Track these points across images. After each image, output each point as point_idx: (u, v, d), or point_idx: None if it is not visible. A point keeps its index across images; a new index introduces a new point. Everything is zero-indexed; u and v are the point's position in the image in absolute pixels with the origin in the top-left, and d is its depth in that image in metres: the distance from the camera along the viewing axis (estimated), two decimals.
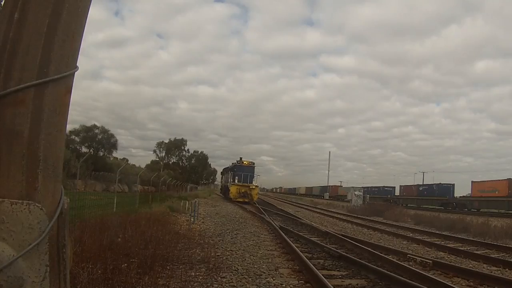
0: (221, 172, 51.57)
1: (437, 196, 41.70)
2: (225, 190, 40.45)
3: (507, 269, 7.62)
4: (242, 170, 33.48)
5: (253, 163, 35.35)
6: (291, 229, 12.47)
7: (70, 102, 1.35)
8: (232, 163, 38.23)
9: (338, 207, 33.87)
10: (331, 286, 5.08)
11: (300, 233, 11.62)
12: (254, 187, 32.75)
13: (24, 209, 1.17)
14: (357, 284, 5.81)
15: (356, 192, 34.05)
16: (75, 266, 4.16)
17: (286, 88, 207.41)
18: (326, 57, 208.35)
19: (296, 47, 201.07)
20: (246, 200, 30.66)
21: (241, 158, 35.16)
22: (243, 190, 31.98)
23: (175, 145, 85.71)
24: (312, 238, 10.60)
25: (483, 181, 37.95)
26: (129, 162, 60.46)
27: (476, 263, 8.33)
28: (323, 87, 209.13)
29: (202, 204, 24.16)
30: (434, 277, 5.90)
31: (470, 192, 39.35)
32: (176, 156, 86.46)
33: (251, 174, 34.07)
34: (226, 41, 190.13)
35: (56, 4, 1.26)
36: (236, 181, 33.04)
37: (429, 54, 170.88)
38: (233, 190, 32.19)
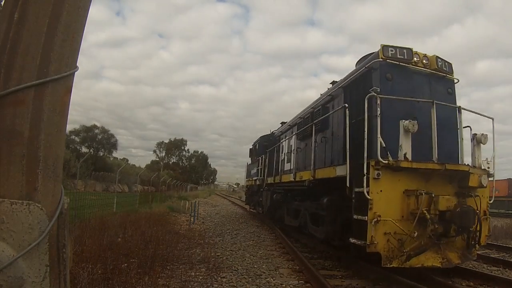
0: (252, 148, 17.93)
1: None
2: (277, 203, 11.60)
3: (507, 269, 7.62)
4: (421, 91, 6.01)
5: (451, 65, 6.68)
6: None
7: (70, 102, 1.35)
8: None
9: None
10: (331, 286, 5.08)
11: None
12: (483, 177, 5.44)
13: (24, 209, 1.18)
14: (357, 284, 5.80)
15: None
16: (75, 266, 4.15)
17: (287, 88, 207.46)
18: (328, 57, 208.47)
19: (297, 47, 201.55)
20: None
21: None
22: (449, 204, 5.00)
23: (175, 145, 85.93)
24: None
25: None
26: (129, 162, 60.68)
27: (476, 263, 8.32)
28: (324, 87, 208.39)
29: (202, 204, 24.16)
30: (434, 277, 5.89)
31: None
32: (176, 156, 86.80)
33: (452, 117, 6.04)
34: (227, 41, 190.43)
35: (56, 4, 1.26)
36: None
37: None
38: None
